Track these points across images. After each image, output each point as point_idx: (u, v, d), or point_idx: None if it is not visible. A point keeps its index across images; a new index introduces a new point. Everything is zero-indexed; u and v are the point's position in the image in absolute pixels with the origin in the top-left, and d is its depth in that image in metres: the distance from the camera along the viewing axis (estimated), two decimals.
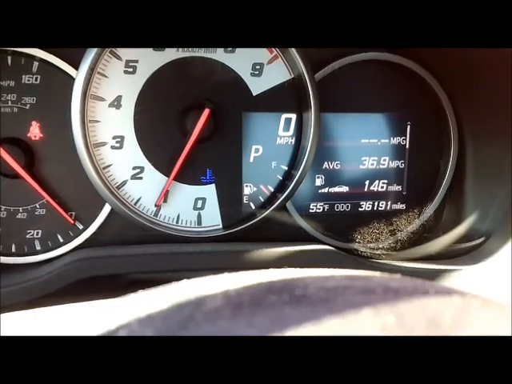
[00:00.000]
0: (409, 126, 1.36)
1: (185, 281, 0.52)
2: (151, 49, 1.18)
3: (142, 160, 1.22)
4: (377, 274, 0.54)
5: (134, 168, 1.22)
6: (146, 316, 0.43)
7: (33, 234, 1.20)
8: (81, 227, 1.22)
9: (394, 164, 1.37)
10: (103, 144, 1.19)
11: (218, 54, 1.21)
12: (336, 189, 1.35)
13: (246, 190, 1.29)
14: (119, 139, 1.20)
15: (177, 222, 1.26)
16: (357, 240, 1.35)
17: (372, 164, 1.36)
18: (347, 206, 1.37)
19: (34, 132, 1.17)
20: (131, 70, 1.18)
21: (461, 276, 1.21)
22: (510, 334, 0.40)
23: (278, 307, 0.39)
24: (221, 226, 1.28)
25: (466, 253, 1.29)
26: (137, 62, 1.18)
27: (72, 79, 1.14)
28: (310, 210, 1.35)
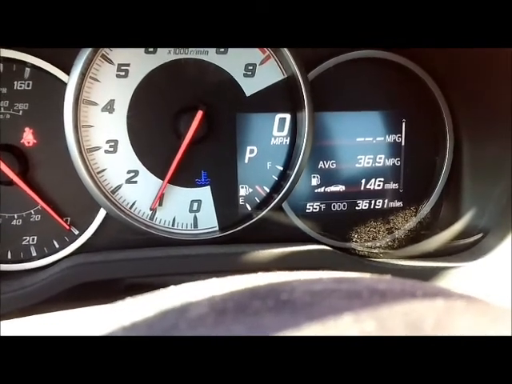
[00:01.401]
0: (404, 124, 1.35)
1: (172, 287, 0.52)
2: (143, 52, 1.17)
3: (136, 164, 1.21)
4: (367, 275, 0.54)
5: (129, 172, 1.21)
6: (130, 324, 0.43)
7: (28, 241, 1.20)
8: (76, 232, 1.22)
9: (390, 162, 1.36)
10: (97, 148, 1.18)
11: (210, 56, 1.21)
12: (332, 188, 1.35)
13: (242, 191, 1.28)
14: (113, 143, 1.19)
15: (173, 225, 1.26)
16: (354, 239, 1.35)
17: (368, 162, 1.35)
18: (344, 205, 1.36)
19: (28, 138, 1.16)
20: (123, 73, 1.17)
21: (460, 273, 1.21)
22: (509, 334, 0.39)
23: (260, 314, 0.38)
24: (217, 228, 1.28)
25: (464, 249, 1.29)
26: (129, 65, 1.17)
27: (64, 84, 1.13)
28: (307, 210, 1.35)
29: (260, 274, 0.53)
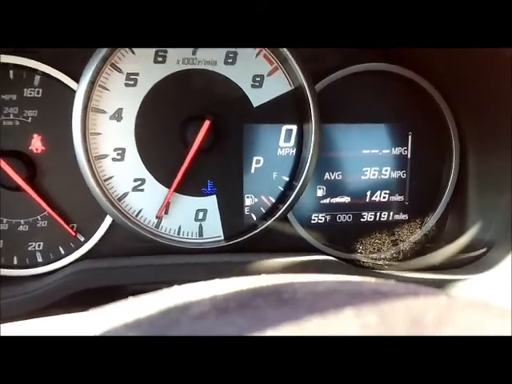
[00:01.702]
0: (410, 136, 1.36)
1: (175, 287, 0.52)
2: (152, 62, 1.19)
3: (143, 172, 1.22)
4: (371, 279, 0.54)
5: (135, 180, 1.22)
6: (132, 321, 0.43)
7: (34, 247, 1.21)
8: (82, 239, 1.23)
9: (395, 174, 1.37)
10: (104, 156, 1.19)
11: (219, 67, 1.22)
12: (338, 199, 1.35)
13: (248, 201, 1.29)
14: (120, 151, 1.20)
15: (178, 234, 1.26)
16: (359, 250, 1.34)
17: (374, 174, 1.35)
18: (349, 217, 1.36)
19: (36, 145, 1.18)
20: (132, 82, 1.19)
21: (464, 286, 1.20)
22: (509, 334, 0.39)
23: (261, 308, 0.38)
24: (222, 238, 1.28)
25: (469, 263, 1.28)
26: (137, 74, 1.18)
27: (73, 92, 1.15)
28: (312, 221, 1.35)
29: (263, 275, 0.53)
